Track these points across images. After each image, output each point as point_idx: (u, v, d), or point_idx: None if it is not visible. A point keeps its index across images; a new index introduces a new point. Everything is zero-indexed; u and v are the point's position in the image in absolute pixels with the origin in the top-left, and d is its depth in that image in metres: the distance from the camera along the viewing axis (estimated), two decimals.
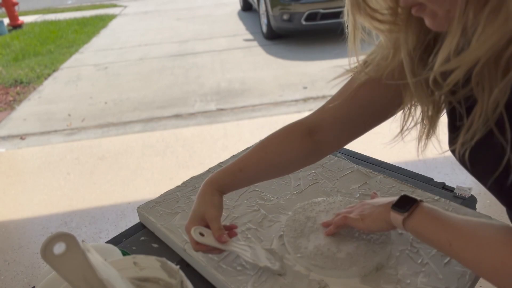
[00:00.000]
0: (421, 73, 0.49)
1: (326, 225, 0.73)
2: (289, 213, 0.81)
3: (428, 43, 0.50)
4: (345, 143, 0.69)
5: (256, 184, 0.92)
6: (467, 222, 0.52)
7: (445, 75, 0.43)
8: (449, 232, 0.52)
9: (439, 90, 0.46)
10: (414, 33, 0.49)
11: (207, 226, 0.66)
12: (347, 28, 0.55)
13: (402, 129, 0.58)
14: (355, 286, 0.63)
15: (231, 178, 0.69)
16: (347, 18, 0.54)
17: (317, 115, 0.69)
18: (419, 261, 0.66)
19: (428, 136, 0.56)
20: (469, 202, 0.83)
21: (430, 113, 0.53)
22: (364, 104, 0.62)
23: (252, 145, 1.10)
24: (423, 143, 0.56)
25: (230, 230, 0.69)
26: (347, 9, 0.52)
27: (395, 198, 0.62)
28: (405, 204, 0.59)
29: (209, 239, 0.64)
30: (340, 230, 0.71)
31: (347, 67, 0.61)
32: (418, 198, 0.59)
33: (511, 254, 0.45)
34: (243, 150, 1.08)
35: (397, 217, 0.59)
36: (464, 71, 0.40)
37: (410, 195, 0.61)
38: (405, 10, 0.47)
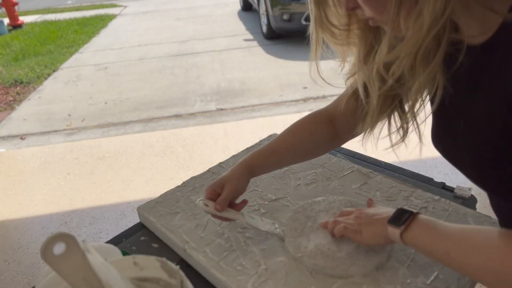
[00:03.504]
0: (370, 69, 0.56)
1: (324, 225, 0.73)
2: (289, 213, 0.81)
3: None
4: (360, 131, 0.71)
5: (256, 184, 0.92)
6: (463, 230, 0.53)
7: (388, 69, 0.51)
8: (446, 241, 0.53)
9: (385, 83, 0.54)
10: (365, 44, 0.59)
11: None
12: (311, 41, 0.63)
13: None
14: (355, 285, 0.63)
15: (263, 160, 0.77)
16: (311, 35, 0.61)
17: (334, 104, 0.78)
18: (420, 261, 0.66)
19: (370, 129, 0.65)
20: (469, 202, 0.83)
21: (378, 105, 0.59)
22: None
23: (252, 145, 1.10)
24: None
25: (240, 203, 0.76)
26: (311, 26, 0.60)
27: (391, 211, 0.62)
28: (401, 217, 0.59)
29: (211, 209, 0.72)
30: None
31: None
32: (414, 211, 0.59)
33: (509, 256, 0.45)
34: (243, 150, 1.08)
35: (394, 232, 0.59)
36: (401, 64, 0.47)
37: (406, 207, 0.60)
38: (358, 25, 0.58)
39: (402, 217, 0.59)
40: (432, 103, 0.52)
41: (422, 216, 0.58)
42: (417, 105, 0.53)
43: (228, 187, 0.72)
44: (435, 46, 0.44)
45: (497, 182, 0.48)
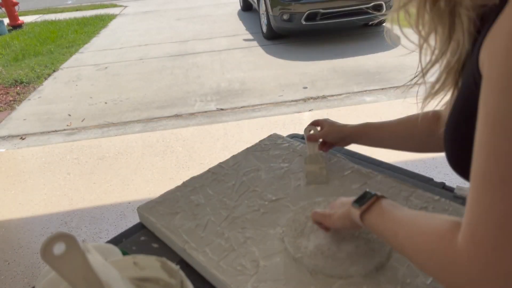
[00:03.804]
0: None
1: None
2: (289, 213, 0.81)
3: None
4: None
5: (256, 184, 0.92)
6: (417, 215, 0.51)
7: None
8: (397, 224, 0.52)
9: None
10: None
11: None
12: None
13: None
14: (355, 286, 0.63)
15: (367, 130, 0.89)
16: None
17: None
18: None
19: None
20: None
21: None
22: None
23: (252, 145, 1.10)
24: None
25: (326, 147, 0.96)
26: None
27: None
28: (364, 199, 0.59)
29: (309, 134, 0.97)
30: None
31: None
32: (379, 193, 0.58)
33: (443, 241, 0.43)
34: (243, 150, 1.08)
35: (355, 212, 0.58)
36: None
37: (371, 191, 0.60)
38: None
39: (365, 199, 0.58)
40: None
41: (386, 200, 0.57)
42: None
43: (325, 129, 0.93)
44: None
45: (457, 162, 0.49)
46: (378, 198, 0.58)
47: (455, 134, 0.50)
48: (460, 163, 0.49)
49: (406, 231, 0.50)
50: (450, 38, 0.50)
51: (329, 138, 0.93)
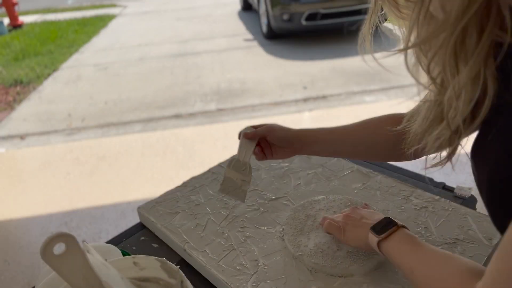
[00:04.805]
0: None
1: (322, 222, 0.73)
2: (289, 212, 0.81)
3: None
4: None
5: (256, 183, 0.92)
6: (435, 253, 0.51)
7: None
8: (414, 260, 0.52)
9: None
10: None
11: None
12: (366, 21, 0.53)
13: None
14: (355, 284, 0.63)
15: (316, 133, 0.72)
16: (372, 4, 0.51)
17: (413, 108, 0.62)
18: None
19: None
20: (469, 202, 0.83)
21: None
22: None
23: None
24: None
25: (267, 150, 0.75)
26: None
27: (379, 218, 0.61)
28: (384, 226, 0.58)
29: (243, 130, 0.76)
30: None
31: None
32: (400, 223, 0.58)
33: None
34: None
35: (373, 239, 0.58)
36: None
37: (394, 218, 0.60)
38: None
39: (386, 227, 0.58)
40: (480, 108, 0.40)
41: (405, 231, 0.57)
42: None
43: (266, 126, 0.74)
44: (477, 35, 0.37)
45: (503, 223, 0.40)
46: (399, 227, 0.57)
47: (501, 197, 0.41)
48: (506, 224, 0.39)
49: (422, 271, 0.50)
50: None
51: (272, 136, 0.72)
